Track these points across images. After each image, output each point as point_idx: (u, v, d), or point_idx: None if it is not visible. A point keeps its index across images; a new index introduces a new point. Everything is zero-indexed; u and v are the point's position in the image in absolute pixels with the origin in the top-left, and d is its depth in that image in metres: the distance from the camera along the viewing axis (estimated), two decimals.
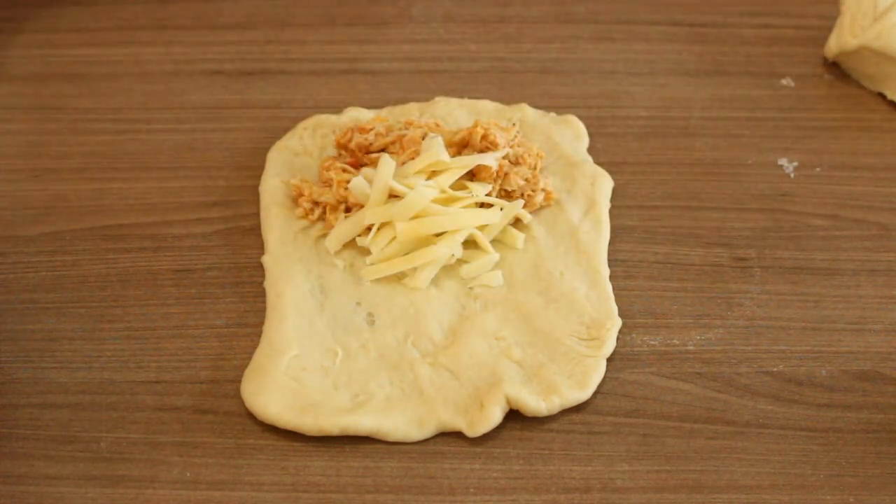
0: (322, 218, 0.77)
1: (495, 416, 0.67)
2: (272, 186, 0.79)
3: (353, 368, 0.70)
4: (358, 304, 0.73)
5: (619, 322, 0.72)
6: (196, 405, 0.69)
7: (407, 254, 0.73)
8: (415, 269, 0.73)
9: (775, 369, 0.71)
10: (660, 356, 0.72)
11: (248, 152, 0.84)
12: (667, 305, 0.74)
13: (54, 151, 0.84)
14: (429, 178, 0.75)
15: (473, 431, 0.67)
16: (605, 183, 0.80)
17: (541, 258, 0.75)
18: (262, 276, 0.75)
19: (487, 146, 0.77)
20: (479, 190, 0.75)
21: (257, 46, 0.92)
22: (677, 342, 0.72)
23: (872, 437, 0.68)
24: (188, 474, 0.66)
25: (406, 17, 0.95)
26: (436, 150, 0.75)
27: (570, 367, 0.70)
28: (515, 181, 0.76)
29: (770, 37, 0.93)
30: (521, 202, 0.76)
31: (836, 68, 0.90)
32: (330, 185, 0.77)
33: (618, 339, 0.72)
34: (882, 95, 0.88)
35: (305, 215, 0.77)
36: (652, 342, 0.72)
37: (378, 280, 0.74)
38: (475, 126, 0.78)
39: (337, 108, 0.86)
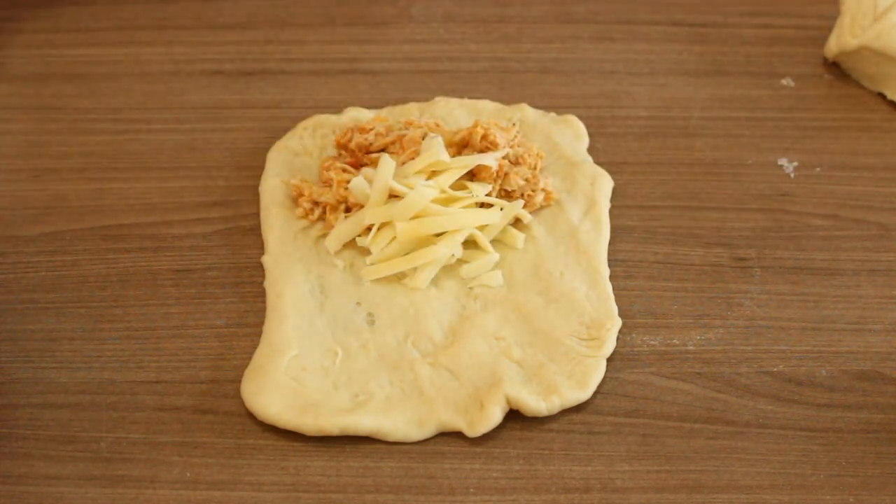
0: (322, 218, 0.77)
1: (495, 416, 0.67)
2: (272, 186, 0.79)
3: (353, 368, 0.70)
4: (358, 304, 0.73)
5: (619, 322, 0.72)
6: (196, 405, 0.69)
7: (407, 254, 0.73)
8: (415, 269, 0.73)
9: (775, 369, 0.71)
10: (660, 356, 0.72)
11: (248, 152, 0.84)
12: (667, 305, 0.74)
13: (54, 151, 0.84)
14: (429, 178, 0.75)
15: (473, 431, 0.67)
16: (605, 183, 0.80)
17: (541, 258, 0.75)
18: (262, 276, 0.75)
19: (487, 146, 0.77)
20: (479, 190, 0.75)
21: (257, 46, 0.92)
22: (677, 342, 0.72)
23: (872, 437, 0.68)
24: (188, 474, 0.66)
25: (406, 17, 0.95)
26: (436, 150, 0.75)
27: (570, 367, 0.70)
28: (515, 181, 0.76)
29: (770, 37, 0.93)
30: (521, 202, 0.76)
31: (836, 68, 0.90)
32: (330, 185, 0.77)
33: (618, 339, 0.72)
34: (882, 95, 0.88)
35: (305, 215, 0.77)
36: (652, 342, 0.72)
37: (378, 280, 0.74)
38: (475, 126, 0.78)
39: (337, 108, 0.86)
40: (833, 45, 0.89)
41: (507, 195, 0.77)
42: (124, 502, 0.65)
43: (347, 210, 0.76)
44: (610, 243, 0.77)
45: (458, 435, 0.68)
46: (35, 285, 0.75)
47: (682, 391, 0.70)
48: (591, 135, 0.84)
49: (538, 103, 0.86)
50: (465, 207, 0.75)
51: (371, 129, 0.79)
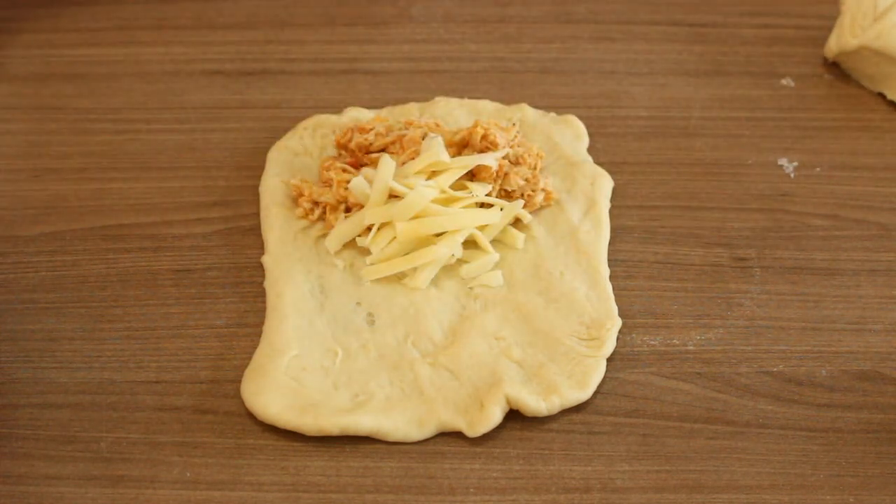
0: (322, 218, 0.77)
1: (495, 416, 0.67)
2: (272, 186, 0.79)
3: (353, 368, 0.70)
4: (358, 304, 0.73)
5: (619, 322, 0.72)
6: (196, 405, 0.69)
7: (407, 254, 0.73)
8: (415, 269, 0.73)
9: (775, 369, 0.71)
10: (660, 356, 0.72)
11: (248, 152, 0.84)
12: (667, 305, 0.74)
13: (54, 151, 0.84)
14: (429, 178, 0.75)
15: (473, 431, 0.67)
16: (605, 183, 0.80)
17: (541, 258, 0.75)
18: (262, 276, 0.75)
19: (487, 146, 0.77)
20: (479, 190, 0.75)
21: (257, 46, 0.92)
22: (677, 342, 0.72)
23: (872, 437, 0.68)
24: (188, 474, 0.66)
25: (406, 17, 0.95)
26: (436, 150, 0.75)
27: (570, 367, 0.70)
28: (515, 181, 0.76)
29: (770, 37, 0.93)
30: (521, 202, 0.76)
31: (836, 68, 0.90)
32: (330, 185, 0.77)
33: (618, 339, 0.72)
34: (882, 95, 0.88)
35: (305, 215, 0.77)
36: (652, 342, 0.72)
37: (378, 280, 0.74)
38: (475, 126, 0.78)
39: (337, 108, 0.86)
40: (833, 45, 0.89)
41: (507, 195, 0.77)
42: (124, 502, 0.65)
43: (347, 210, 0.76)
44: (610, 243, 0.77)
45: (458, 435, 0.68)
46: (35, 285, 0.75)
47: (682, 391, 0.70)
48: (591, 135, 0.84)
49: (538, 103, 0.86)
50: (465, 207, 0.75)
51: (371, 129, 0.79)
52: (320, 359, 0.70)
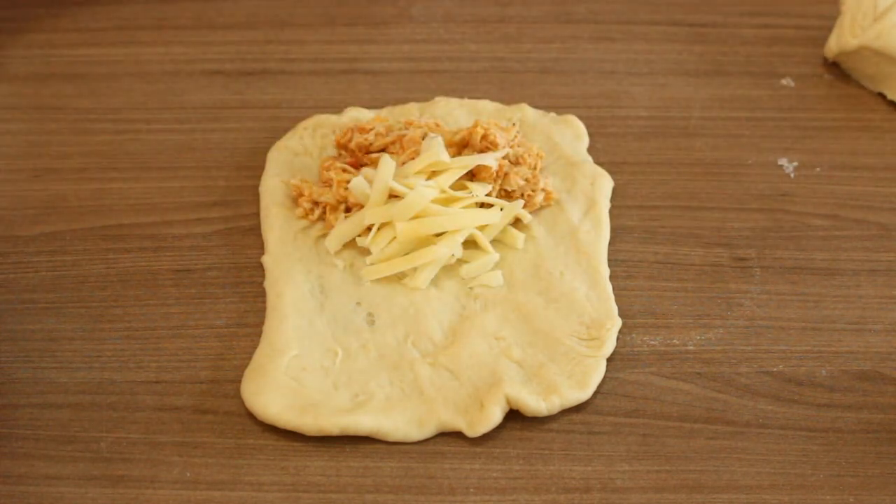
0: (322, 218, 0.77)
1: (495, 416, 0.67)
2: (272, 186, 0.79)
3: (353, 368, 0.70)
4: (358, 304, 0.73)
5: (619, 322, 0.72)
6: (196, 405, 0.69)
7: (407, 254, 0.73)
8: (415, 269, 0.73)
9: (775, 369, 0.71)
10: (660, 356, 0.72)
11: (248, 152, 0.84)
12: (667, 305, 0.74)
13: (54, 151, 0.84)
14: (429, 178, 0.75)
15: (473, 431, 0.67)
16: (605, 183, 0.80)
17: (541, 258, 0.75)
18: (262, 276, 0.75)
19: (487, 146, 0.77)
20: (479, 190, 0.75)
21: (257, 46, 0.92)
22: (677, 342, 0.72)
23: (872, 437, 0.68)
24: (188, 474, 0.66)
25: (406, 17, 0.95)
26: (436, 150, 0.75)
27: (570, 367, 0.70)
28: (515, 181, 0.76)
29: (770, 37, 0.93)
30: (521, 202, 0.76)
31: (836, 68, 0.90)
32: (330, 185, 0.77)
33: (618, 339, 0.72)
34: (882, 95, 0.88)
35: (305, 215, 0.77)
36: (652, 342, 0.72)
37: (378, 280, 0.74)
38: (475, 126, 0.78)
39: (337, 108, 0.86)
40: (833, 45, 0.89)
41: (507, 195, 0.77)
42: (124, 502, 0.65)
43: (347, 210, 0.76)
44: (610, 243, 0.77)
45: (458, 435, 0.68)
46: (35, 285, 0.75)
47: (682, 391, 0.70)
48: (591, 135, 0.84)
49: (538, 103, 0.86)
50: (465, 207, 0.75)
51: (371, 129, 0.79)
52: (320, 359, 0.70)
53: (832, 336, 0.73)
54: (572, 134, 0.83)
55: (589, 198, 0.79)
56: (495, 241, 0.75)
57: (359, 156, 0.79)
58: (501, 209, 0.75)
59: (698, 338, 0.73)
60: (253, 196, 0.80)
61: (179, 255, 0.77)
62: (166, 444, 0.67)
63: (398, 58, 0.91)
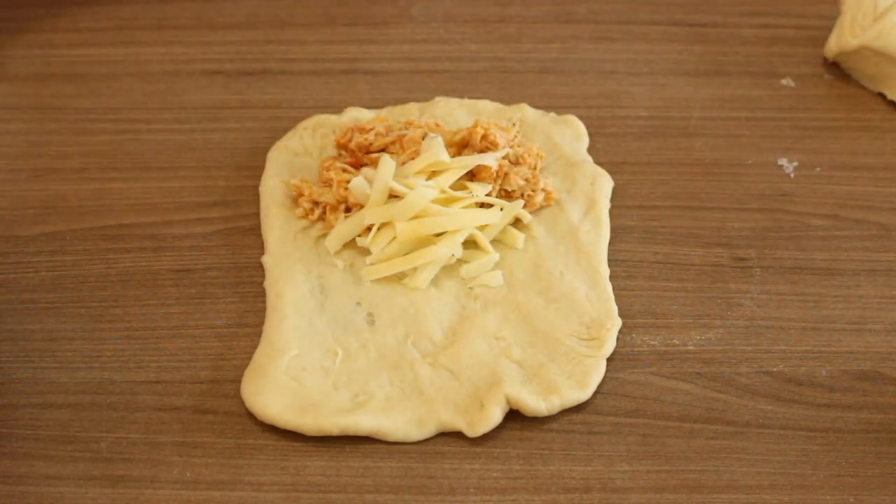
0: (322, 218, 0.77)
1: (495, 416, 0.67)
2: (272, 186, 0.79)
3: (353, 368, 0.70)
4: (358, 304, 0.73)
5: (619, 322, 0.72)
6: (196, 405, 0.69)
7: (407, 254, 0.73)
8: (415, 269, 0.73)
9: (775, 369, 0.71)
10: (660, 356, 0.72)
11: (248, 152, 0.84)
12: (667, 305, 0.74)
13: (54, 151, 0.84)
14: (429, 178, 0.75)
15: (473, 431, 0.67)
16: (605, 183, 0.80)
17: (541, 258, 0.75)
18: (262, 276, 0.75)
19: (487, 146, 0.77)
20: (479, 190, 0.75)
21: (257, 46, 0.92)
22: (677, 342, 0.72)
23: (872, 437, 0.68)
24: (188, 474, 0.66)
25: (406, 17, 0.95)
26: (436, 150, 0.75)
27: (570, 367, 0.70)
28: (515, 181, 0.76)
29: (770, 37, 0.93)
30: (521, 202, 0.76)
31: (836, 68, 0.90)
32: (330, 185, 0.77)
33: (618, 339, 0.72)
34: (882, 95, 0.88)
35: (305, 215, 0.77)
36: (652, 342, 0.72)
37: (378, 280, 0.74)
38: (475, 126, 0.78)
39: (337, 108, 0.86)
40: (833, 45, 0.89)
41: (507, 195, 0.77)
42: (124, 502, 0.65)
43: (347, 210, 0.76)
44: (610, 243, 0.77)
45: (458, 435, 0.68)
46: (35, 285, 0.75)
47: (682, 391, 0.70)
48: (591, 135, 0.84)
49: (538, 103, 0.86)
50: (465, 207, 0.75)
51: (371, 129, 0.79)
52: (320, 359, 0.70)
53: (832, 336, 0.73)
54: (572, 134, 0.83)
55: (589, 198, 0.79)
56: (495, 241, 0.75)
57: (359, 156, 0.79)
58: (501, 209, 0.75)
59: (698, 338, 0.73)
60: (253, 196, 0.80)
61: (179, 255, 0.77)
62: (166, 444, 0.67)
63: (398, 58, 0.91)
